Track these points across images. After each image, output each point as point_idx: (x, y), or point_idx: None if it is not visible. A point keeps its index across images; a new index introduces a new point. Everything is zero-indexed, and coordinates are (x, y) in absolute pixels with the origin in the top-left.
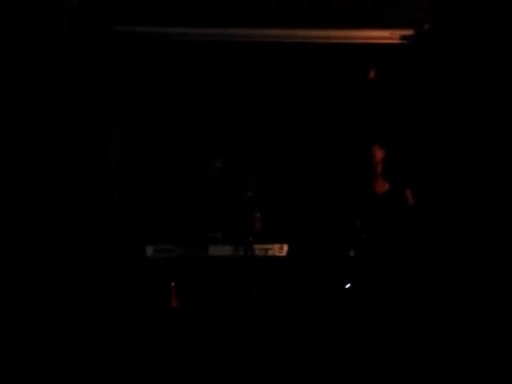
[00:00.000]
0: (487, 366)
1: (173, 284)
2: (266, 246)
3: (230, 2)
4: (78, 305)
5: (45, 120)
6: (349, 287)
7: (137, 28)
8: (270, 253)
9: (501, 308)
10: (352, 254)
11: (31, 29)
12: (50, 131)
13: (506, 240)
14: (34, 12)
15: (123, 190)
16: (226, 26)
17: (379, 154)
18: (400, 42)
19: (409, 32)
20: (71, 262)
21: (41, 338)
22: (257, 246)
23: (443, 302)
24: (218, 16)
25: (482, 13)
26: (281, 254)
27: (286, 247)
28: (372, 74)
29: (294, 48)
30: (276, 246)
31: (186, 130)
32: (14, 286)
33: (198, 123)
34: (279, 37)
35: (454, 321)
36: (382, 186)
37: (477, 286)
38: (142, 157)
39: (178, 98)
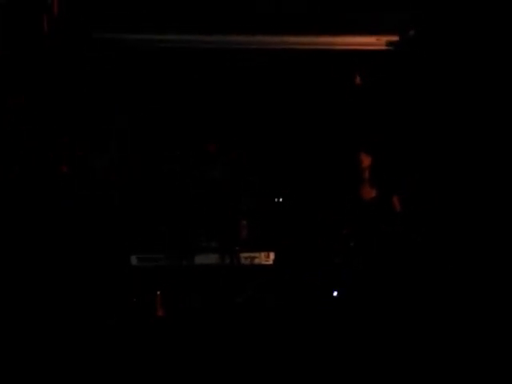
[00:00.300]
0: (485, 367)
1: (158, 293)
2: (252, 255)
3: (216, 9)
4: (64, 314)
5: (36, 123)
6: (336, 295)
7: (117, 35)
8: (257, 261)
9: (490, 314)
10: (339, 261)
11: (23, 33)
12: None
13: (494, 250)
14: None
15: (108, 200)
16: (217, 32)
17: (366, 160)
18: (386, 48)
19: (394, 38)
20: (56, 273)
21: (26, 345)
22: (243, 255)
23: (430, 309)
24: (210, 23)
25: (467, 19)
26: (267, 263)
27: (272, 255)
28: (358, 79)
29: (282, 54)
30: (262, 254)
31: (172, 141)
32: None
33: (185, 133)
34: (265, 43)
35: (442, 330)
36: (369, 193)
37: (465, 296)
38: (127, 167)
39: (160, 106)
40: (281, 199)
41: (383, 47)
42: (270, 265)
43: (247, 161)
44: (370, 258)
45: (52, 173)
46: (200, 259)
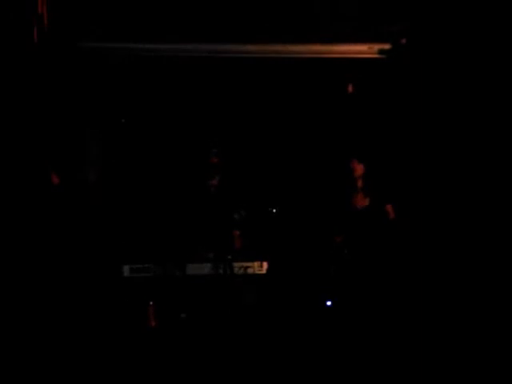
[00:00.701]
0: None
1: (151, 303)
2: (245, 264)
3: (205, 18)
4: (56, 325)
5: (18, 134)
6: (329, 305)
7: (102, 44)
8: (250, 271)
9: (488, 322)
10: (333, 270)
11: (13, 43)
12: (25, 145)
13: (488, 256)
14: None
15: (101, 210)
16: (206, 41)
17: (359, 169)
18: (378, 56)
19: (386, 46)
20: (48, 284)
21: (19, 354)
22: (236, 264)
23: (426, 319)
24: (198, 32)
25: (458, 27)
26: (260, 272)
27: (265, 265)
28: (350, 87)
29: (273, 62)
30: (255, 264)
31: (160, 149)
32: None
33: (176, 142)
34: (257, 52)
35: (437, 336)
36: (363, 201)
37: (457, 303)
38: (118, 178)
39: (146, 113)
40: (274, 209)
41: (375, 55)
42: (264, 274)
43: (240, 170)
44: (363, 265)
45: (43, 183)
46: (193, 269)
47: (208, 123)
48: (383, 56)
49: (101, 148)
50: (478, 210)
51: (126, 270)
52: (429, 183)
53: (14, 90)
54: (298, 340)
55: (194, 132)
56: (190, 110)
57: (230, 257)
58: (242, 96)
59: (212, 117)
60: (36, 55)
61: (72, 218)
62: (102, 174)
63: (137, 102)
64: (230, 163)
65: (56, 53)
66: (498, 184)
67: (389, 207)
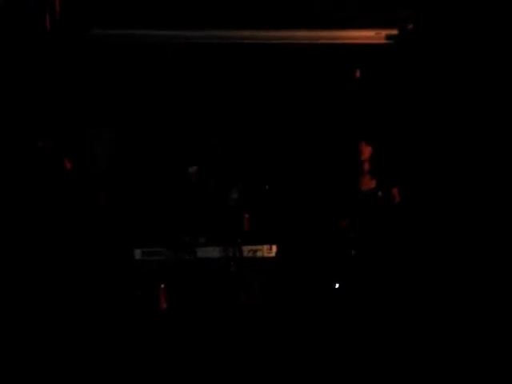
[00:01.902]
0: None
1: (162, 286)
2: (254, 247)
3: (215, 4)
4: (68, 308)
5: (31, 123)
6: (338, 287)
7: (115, 31)
8: (259, 254)
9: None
10: (340, 252)
11: (18, 33)
12: (37, 134)
13: (496, 238)
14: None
15: (111, 194)
16: (217, 27)
17: (366, 152)
18: (385, 41)
19: (393, 32)
20: (60, 266)
21: (31, 339)
22: (245, 248)
23: (432, 301)
24: (211, 18)
25: (465, 12)
26: (270, 255)
27: (274, 248)
28: (358, 73)
29: (282, 49)
30: (265, 247)
31: (172, 135)
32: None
33: (184, 126)
34: (265, 38)
35: (443, 321)
36: (369, 184)
37: (465, 283)
38: (129, 161)
39: (161, 100)
40: (282, 192)
41: (382, 41)
42: (273, 257)
43: (249, 153)
44: (370, 249)
45: (55, 169)
46: (203, 252)
47: (219, 106)
48: (391, 41)
49: (112, 135)
50: (483, 196)
51: (137, 253)
52: (434, 168)
53: (27, 77)
54: (307, 323)
55: (203, 117)
56: (204, 95)
57: (239, 240)
58: (251, 81)
59: (224, 100)
60: (48, 43)
61: (85, 204)
62: (113, 161)
63: (147, 91)
64: (234, 145)
65: (68, 40)
66: (504, 170)
67: (395, 190)
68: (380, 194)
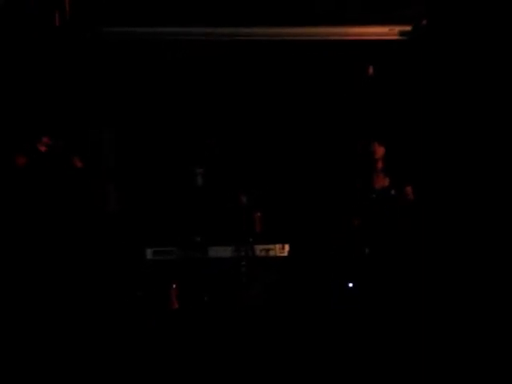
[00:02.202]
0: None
1: (174, 285)
2: (267, 247)
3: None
4: (79, 307)
5: (39, 121)
6: (351, 286)
7: (125, 29)
8: (272, 253)
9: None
10: (354, 252)
11: (24, 30)
12: (46, 132)
13: (508, 237)
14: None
15: (122, 194)
16: (228, 25)
17: (379, 150)
18: (399, 38)
19: (407, 28)
20: (72, 265)
21: (41, 338)
22: (258, 247)
23: (444, 301)
24: (220, 15)
25: (479, 7)
26: (282, 255)
27: (287, 247)
28: (371, 70)
29: (294, 46)
30: (277, 247)
31: (182, 132)
32: (10, 287)
33: (194, 124)
34: (278, 35)
35: (454, 319)
36: (382, 183)
37: (477, 282)
38: (140, 160)
39: (171, 98)
40: (295, 191)
41: (396, 37)
42: (285, 257)
43: (262, 154)
44: (382, 247)
45: (65, 167)
46: (214, 252)
47: (232, 104)
48: (404, 38)
49: (120, 133)
50: (497, 193)
51: (148, 252)
52: (449, 166)
53: (35, 74)
54: (318, 322)
55: (214, 114)
56: (215, 92)
57: (251, 239)
58: (261, 79)
59: (237, 97)
60: (57, 40)
61: (96, 204)
62: (123, 160)
63: (161, 86)
64: (244, 148)
65: (78, 37)
66: None
67: (408, 189)
68: (393, 192)
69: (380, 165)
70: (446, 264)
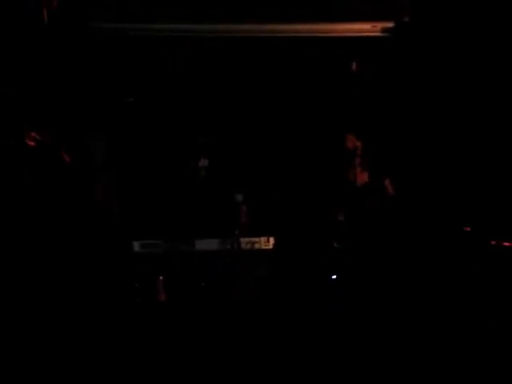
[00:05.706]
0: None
1: (160, 278)
2: (252, 240)
3: None
4: (66, 301)
5: (28, 117)
6: (334, 279)
7: (114, 25)
8: (257, 246)
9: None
10: (336, 245)
11: (13, 27)
12: (33, 129)
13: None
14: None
15: (109, 187)
16: (215, 21)
17: (356, 145)
18: (381, 34)
19: (390, 25)
20: (58, 259)
21: (28, 336)
22: (243, 240)
23: (426, 294)
24: (208, 12)
25: (462, 4)
26: (267, 247)
27: (272, 240)
28: (353, 66)
29: (276, 42)
30: (262, 239)
31: (170, 127)
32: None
33: (183, 120)
34: (260, 31)
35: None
36: (362, 178)
37: (457, 277)
38: (127, 154)
39: (160, 94)
40: (279, 185)
41: (378, 34)
42: (270, 249)
43: (246, 147)
44: (365, 241)
45: (53, 162)
46: (201, 245)
47: (217, 101)
48: (387, 34)
49: (109, 128)
50: (477, 187)
51: (136, 245)
52: (429, 160)
53: (24, 71)
54: (304, 317)
55: (202, 111)
56: (202, 90)
57: (237, 232)
58: (247, 75)
59: (222, 94)
60: (46, 36)
61: (84, 197)
62: (110, 154)
63: (151, 83)
64: (227, 142)
65: (67, 34)
66: (498, 164)
67: (387, 182)
68: (373, 185)
69: (359, 160)
70: (428, 256)
